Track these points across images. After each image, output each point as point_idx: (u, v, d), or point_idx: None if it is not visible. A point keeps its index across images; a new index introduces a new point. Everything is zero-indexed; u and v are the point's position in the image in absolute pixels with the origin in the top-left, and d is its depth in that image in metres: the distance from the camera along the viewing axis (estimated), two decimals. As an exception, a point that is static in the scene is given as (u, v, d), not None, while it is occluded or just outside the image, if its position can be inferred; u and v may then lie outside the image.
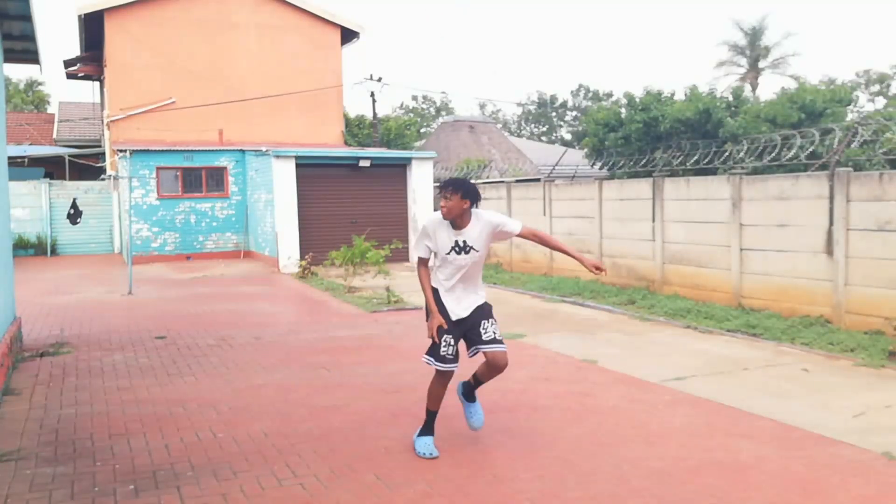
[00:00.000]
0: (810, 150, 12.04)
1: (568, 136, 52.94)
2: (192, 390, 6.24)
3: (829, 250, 8.66)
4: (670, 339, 8.36)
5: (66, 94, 53.56)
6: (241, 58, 21.98)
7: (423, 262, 4.65)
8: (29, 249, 20.89)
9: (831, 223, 8.63)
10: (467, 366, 4.95)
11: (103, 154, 24.36)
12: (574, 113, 55.10)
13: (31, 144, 27.02)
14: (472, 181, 5.05)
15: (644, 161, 15.84)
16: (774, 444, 4.77)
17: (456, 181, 4.45)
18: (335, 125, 23.40)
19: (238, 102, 21.55)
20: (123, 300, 12.01)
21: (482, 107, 58.06)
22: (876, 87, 41.40)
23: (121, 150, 18.75)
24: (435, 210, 5.74)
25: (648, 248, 11.58)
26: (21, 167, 21.90)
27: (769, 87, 70.58)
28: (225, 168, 19.74)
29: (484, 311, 4.58)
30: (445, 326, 4.45)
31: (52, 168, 23.81)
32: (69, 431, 5.14)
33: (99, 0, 20.46)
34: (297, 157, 16.74)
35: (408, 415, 5.38)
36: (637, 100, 21.41)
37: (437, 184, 18.68)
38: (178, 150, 19.40)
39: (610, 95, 49.16)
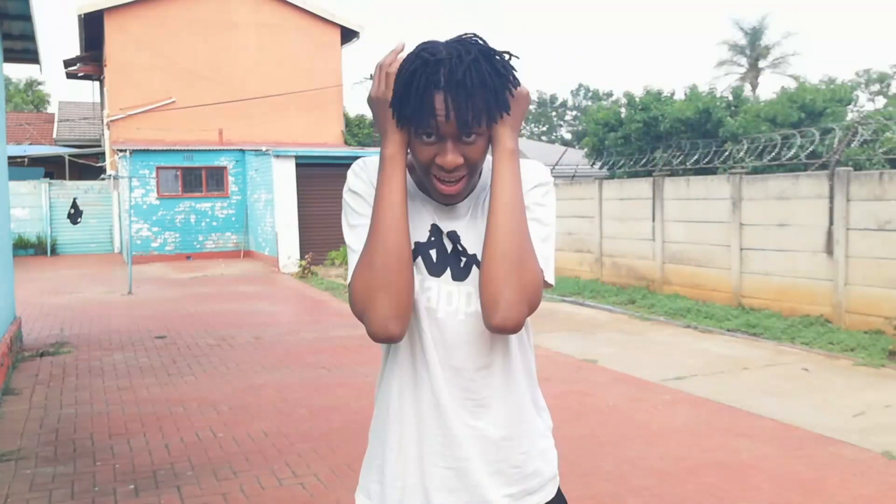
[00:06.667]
0: (810, 149, 12.03)
1: (568, 136, 52.91)
2: (192, 390, 6.24)
3: (830, 250, 8.65)
4: (670, 339, 8.36)
5: (66, 93, 53.56)
6: (241, 58, 21.95)
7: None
8: (29, 249, 20.89)
9: (831, 223, 8.63)
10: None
11: (103, 154, 24.35)
12: (574, 113, 55.08)
13: (31, 144, 26.99)
14: None
15: (644, 161, 15.83)
16: (774, 443, 4.77)
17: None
18: (335, 125, 23.38)
19: (238, 102, 21.53)
20: (123, 300, 12.01)
21: (482, 106, 57.98)
22: (876, 87, 41.35)
23: (121, 150, 18.75)
24: None
25: (648, 247, 11.57)
26: (21, 167, 21.89)
27: (769, 87, 70.51)
28: (225, 168, 19.74)
29: None
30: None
31: (52, 168, 23.80)
32: (69, 431, 5.14)
33: (99, 0, 20.46)
34: (297, 157, 16.74)
35: (408, 414, 5.38)
36: (637, 99, 21.37)
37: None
38: (178, 150, 19.40)
39: (610, 95, 49.06)
